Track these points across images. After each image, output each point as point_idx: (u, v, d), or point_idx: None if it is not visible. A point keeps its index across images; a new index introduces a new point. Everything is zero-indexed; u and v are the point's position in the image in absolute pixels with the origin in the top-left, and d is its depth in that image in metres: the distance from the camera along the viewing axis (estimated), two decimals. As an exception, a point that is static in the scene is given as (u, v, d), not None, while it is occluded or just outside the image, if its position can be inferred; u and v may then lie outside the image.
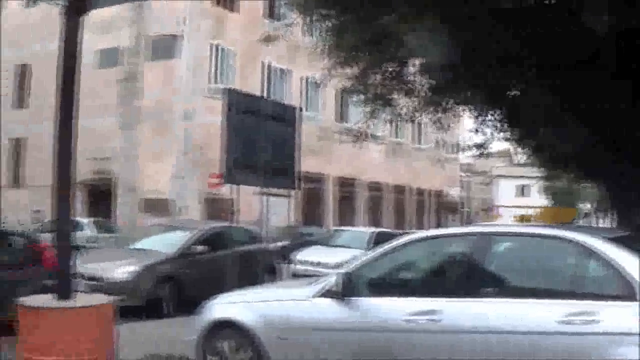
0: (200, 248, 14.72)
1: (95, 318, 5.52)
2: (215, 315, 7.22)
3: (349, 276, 6.34)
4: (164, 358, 9.13)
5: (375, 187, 46.49)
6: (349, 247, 21.02)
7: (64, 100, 5.97)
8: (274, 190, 14.01)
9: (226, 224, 16.60)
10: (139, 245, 15.54)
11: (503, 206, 79.18)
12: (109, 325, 5.62)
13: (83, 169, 34.15)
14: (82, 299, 5.93)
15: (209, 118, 30.83)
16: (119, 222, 32.71)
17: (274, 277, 16.76)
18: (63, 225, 5.74)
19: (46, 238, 22.43)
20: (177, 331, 10.61)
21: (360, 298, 6.27)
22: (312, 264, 19.73)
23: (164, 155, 33.00)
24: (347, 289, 6.24)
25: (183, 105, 32.86)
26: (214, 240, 15.25)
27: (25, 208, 34.94)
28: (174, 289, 13.80)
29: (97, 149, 34.08)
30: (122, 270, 13.39)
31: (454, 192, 59.85)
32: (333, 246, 21.92)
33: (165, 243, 15.10)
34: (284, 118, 13.86)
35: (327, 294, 6.38)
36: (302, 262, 19.56)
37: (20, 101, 38.72)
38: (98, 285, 13.04)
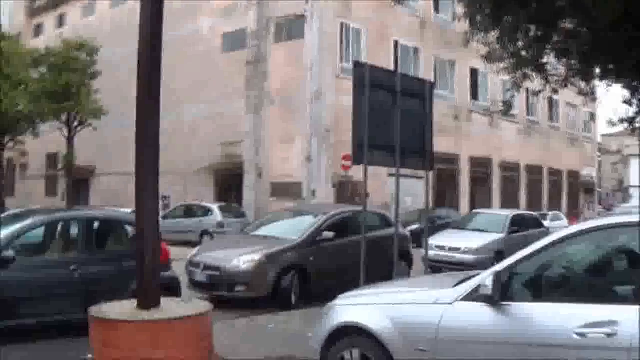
0: (328, 234, 13.73)
1: (184, 332, 4.38)
2: (338, 318, 6.14)
3: (504, 276, 5.13)
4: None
5: (510, 168, 44.64)
6: (486, 231, 19.87)
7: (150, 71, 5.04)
8: (407, 172, 12.78)
9: (356, 208, 15.55)
10: (264, 231, 14.78)
11: (635, 186, 75.61)
12: (206, 340, 4.46)
13: (213, 154, 34.31)
14: (170, 308, 4.76)
15: (339, 98, 30.02)
16: (248, 207, 32.36)
17: (408, 264, 15.69)
18: (147, 218, 4.66)
19: (166, 226, 22.06)
20: (300, 327, 9.85)
21: (518, 303, 5.05)
22: (447, 249, 18.61)
23: (293, 138, 32.45)
24: (502, 291, 5.03)
25: (312, 86, 32.07)
26: (343, 226, 14.30)
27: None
28: (300, 279, 12.90)
29: (226, 133, 34.02)
30: (243, 260, 12.59)
31: (590, 172, 56.83)
32: (469, 230, 20.60)
33: (291, 229, 14.26)
34: (417, 93, 12.61)
35: (476, 297, 5.18)
36: (437, 248, 18.34)
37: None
38: (217, 275, 12.41)
